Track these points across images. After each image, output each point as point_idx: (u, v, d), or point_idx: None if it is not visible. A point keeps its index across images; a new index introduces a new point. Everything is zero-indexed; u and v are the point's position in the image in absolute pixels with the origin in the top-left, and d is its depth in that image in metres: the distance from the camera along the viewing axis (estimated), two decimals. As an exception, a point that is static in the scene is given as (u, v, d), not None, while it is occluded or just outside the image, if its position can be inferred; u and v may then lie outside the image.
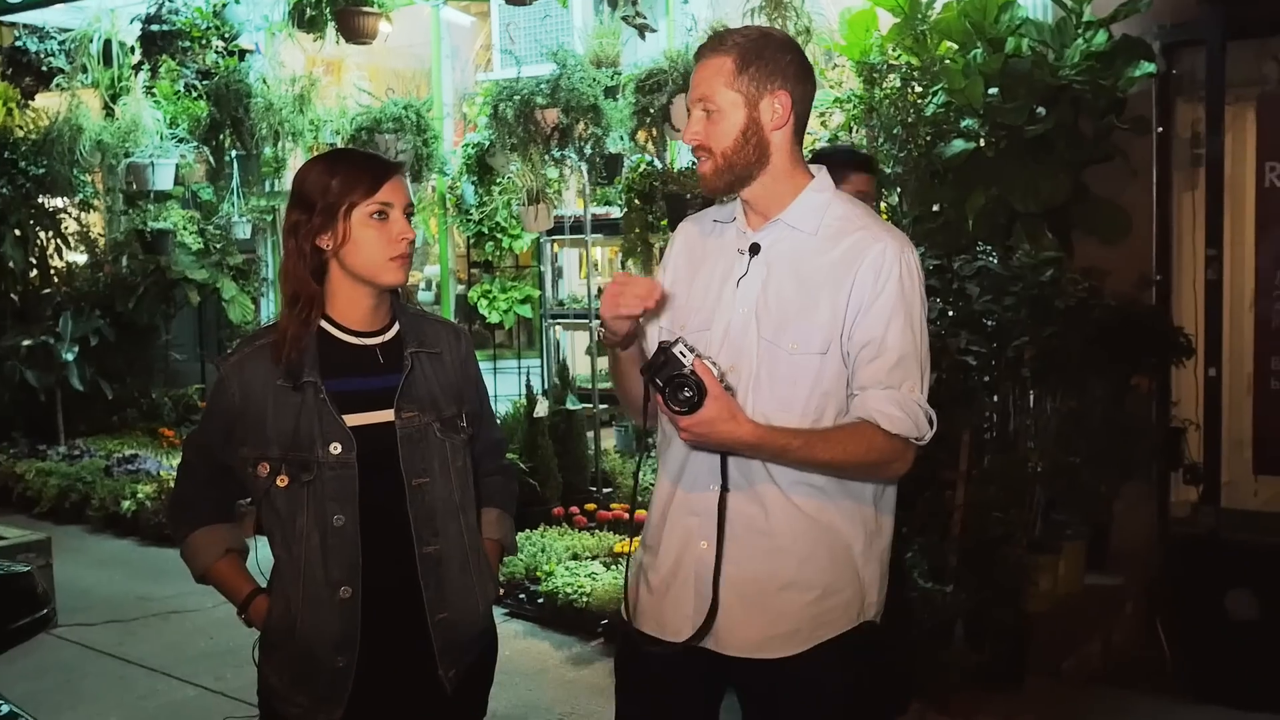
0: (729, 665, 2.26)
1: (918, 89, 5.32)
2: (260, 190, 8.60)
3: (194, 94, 7.92)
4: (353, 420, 2.24)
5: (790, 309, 2.19)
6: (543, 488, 6.36)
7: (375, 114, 7.16)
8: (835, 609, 2.24)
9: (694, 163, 2.30)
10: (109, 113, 8.16)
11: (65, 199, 9.01)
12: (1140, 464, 5.10)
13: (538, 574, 5.54)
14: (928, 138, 5.24)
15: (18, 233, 8.88)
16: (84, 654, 5.24)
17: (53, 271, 9.33)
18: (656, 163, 6.28)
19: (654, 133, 6.13)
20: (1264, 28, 4.99)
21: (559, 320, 7.82)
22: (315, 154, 7.96)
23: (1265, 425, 4.85)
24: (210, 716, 4.56)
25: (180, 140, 7.91)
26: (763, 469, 2.18)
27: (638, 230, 6.30)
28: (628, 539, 5.80)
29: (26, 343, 8.46)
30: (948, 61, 5.15)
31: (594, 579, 5.34)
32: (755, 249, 2.25)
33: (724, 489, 2.19)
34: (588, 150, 6.38)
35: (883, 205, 5.41)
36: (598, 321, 2.25)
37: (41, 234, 9.14)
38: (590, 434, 6.88)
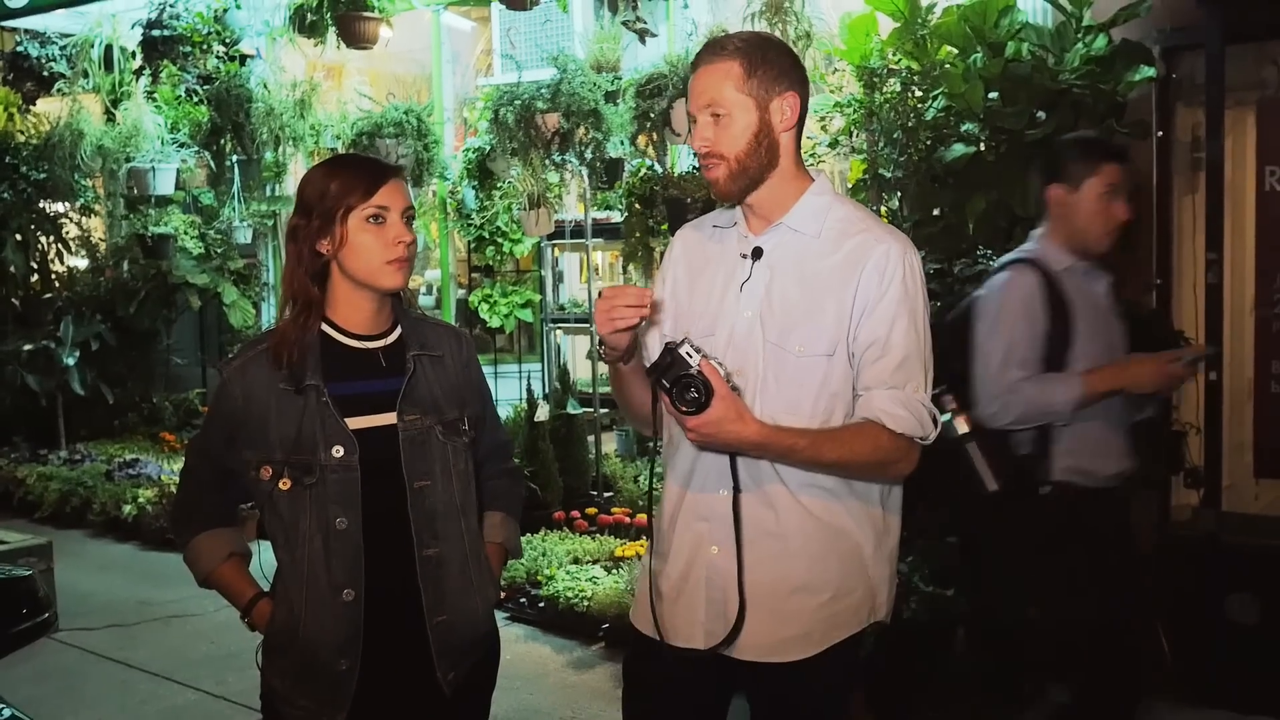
0: (739, 668, 2.27)
1: (918, 93, 5.32)
2: (261, 195, 8.60)
3: (195, 99, 7.93)
4: (355, 423, 2.25)
5: (796, 312, 2.19)
6: (544, 492, 6.36)
7: (376, 119, 7.16)
8: (846, 610, 2.25)
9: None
10: (110, 118, 8.17)
11: (66, 204, 9.02)
12: (1140, 467, 5.09)
13: (539, 578, 5.54)
14: (928, 142, 5.24)
15: (19, 237, 8.89)
16: (85, 658, 5.24)
17: (54, 276, 9.34)
18: (657, 167, 6.29)
19: (654, 137, 6.14)
20: (1263, 31, 4.99)
21: (560, 324, 7.83)
22: (316, 159, 8.01)
23: (1266, 429, 4.85)
24: (211, 721, 4.57)
25: (181, 145, 7.91)
26: (772, 471, 2.19)
27: (638, 235, 6.31)
28: (629, 543, 5.81)
29: (28, 347, 8.47)
30: (948, 66, 5.15)
31: (595, 583, 5.34)
32: (758, 253, 2.26)
33: (736, 490, 2.19)
34: (588, 155, 6.38)
35: (883, 209, 5.41)
36: (600, 347, 2.25)
37: (43, 239, 9.15)
38: (591, 438, 6.88)
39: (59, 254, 9.30)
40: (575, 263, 8.59)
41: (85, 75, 8.20)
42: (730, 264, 2.30)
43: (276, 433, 2.23)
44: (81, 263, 9.50)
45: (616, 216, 6.81)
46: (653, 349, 2.31)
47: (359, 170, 2.27)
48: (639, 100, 6.02)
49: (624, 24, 6.13)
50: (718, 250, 2.34)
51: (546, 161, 6.52)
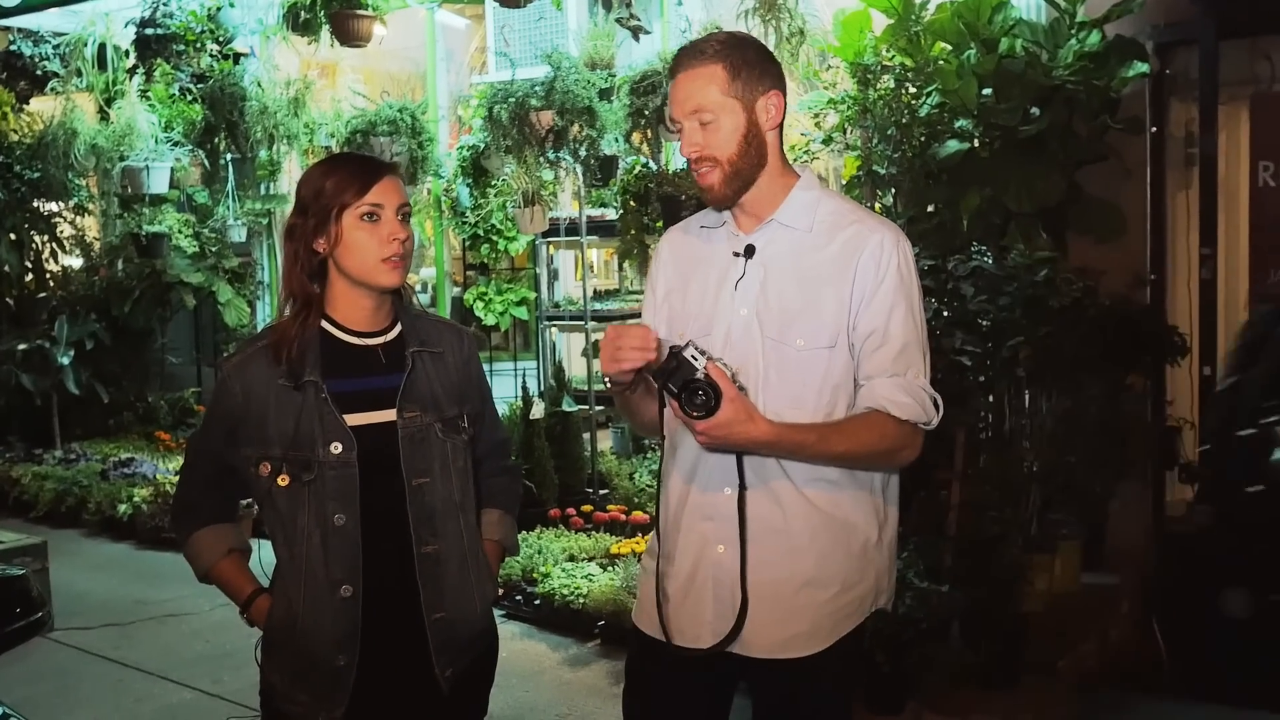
0: (745, 666, 2.27)
1: (912, 90, 5.33)
2: (255, 193, 8.59)
3: (189, 97, 7.92)
4: (354, 420, 2.25)
5: (793, 307, 2.20)
6: (539, 489, 6.36)
7: (370, 117, 7.16)
8: (853, 603, 2.27)
9: (691, 171, 2.29)
10: (104, 116, 8.16)
11: (60, 203, 9.01)
12: (1136, 463, 5.11)
13: (534, 575, 5.54)
14: (922, 138, 5.24)
15: (13, 237, 8.89)
16: (80, 658, 5.24)
17: (48, 275, 9.33)
18: (651, 164, 6.28)
19: (649, 134, 6.14)
20: (1257, 27, 5.00)
21: (555, 322, 7.83)
22: (310, 157, 8.01)
23: (1260, 424, 4.85)
24: (207, 719, 4.56)
25: (175, 144, 7.91)
26: (777, 467, 2.20)
27: (633, 232, 6.31)
28: (624, 540, 5.81)
29: (22, 347, 8.46)
30: (941, 62, 5.16)
31: (591, 580, 5.34)
32: (750, 251, 2.26)
33: (742, 487, 2.19)
34: (583, 152, 6.38)
35: (877, 206, 5.41)
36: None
37: (37, 238, 9.14)
38: (586, 435, 6.88)
39: (53, 253, 9.29)
40: (570, 260, 8.58)
41: (79, 74, 8.18)
42: (722, 263, 2.30)
43: (275, 429, 2.23)
44: (76, 262, 9.49)
45: (611, 214, 6.81)
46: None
47: (353, 168, 2.27)
48: (633, 97, 6.02)
49: (618, 21, 6.13)
50: (708, 251, 2.34)
51: (541, 159, 6.52)
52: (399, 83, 8.53)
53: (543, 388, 7.15)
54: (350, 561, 2.23)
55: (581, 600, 5.20)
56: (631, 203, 6.28)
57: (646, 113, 5.98)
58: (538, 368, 7.82)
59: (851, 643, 2.28)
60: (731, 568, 2.22)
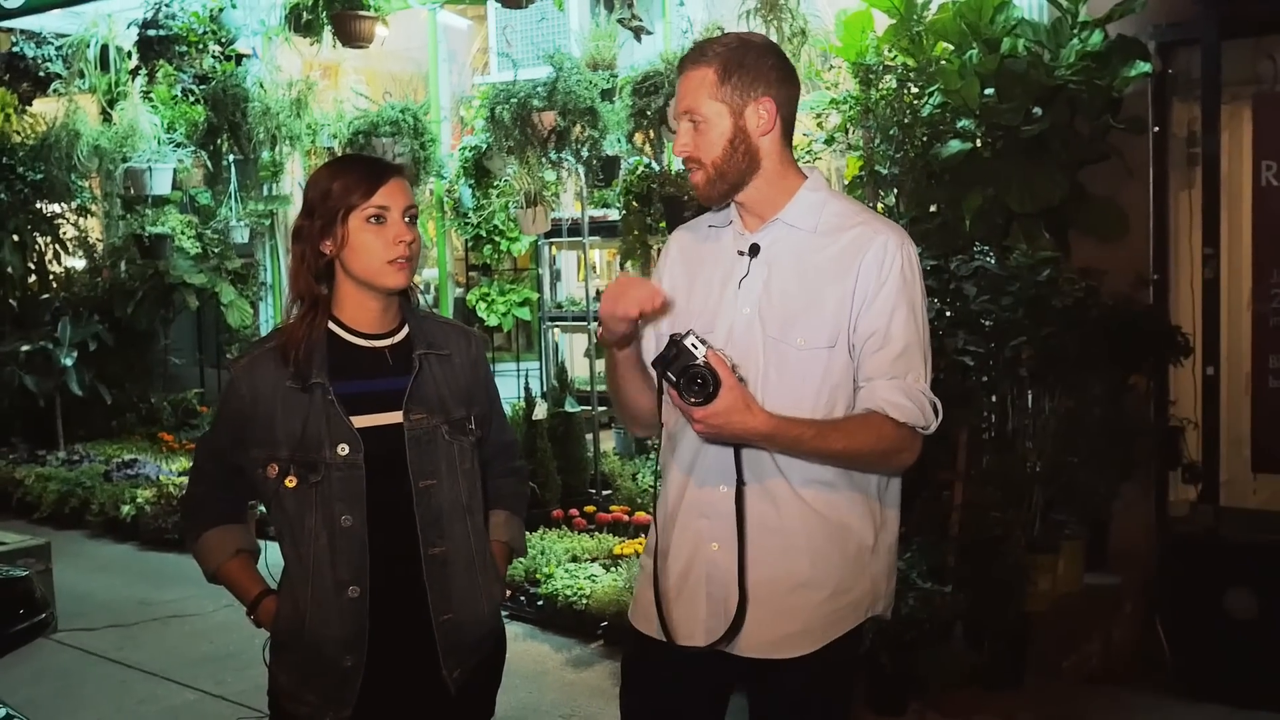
0: (739, 665, 2.27)
1: (914, 90, 5.33)
2: (258, 194, 8.60)
3: (191, 99, 7.93)
4: (361, 422, 2.25)
5: (795, 306, 2.20)
6: (542, 490, 6.36)
7: (372, 118, 7.16)
8: (847, 606, 2.26)
9: (687, 172, 2.31)
10: (106, 118, 8.17)
11: (63, 204, 9.03)
12: (1139, 463, 5.10)
13: (537, 576, 5.54)
14: (924, 138, 5.24)
15: (16, 238, 8.90)
16: (84, 659, 5.24)
17: (51, 277, 9.34)
18: (654, 165, 6.29)
19: (651, 135, 6.13)
20: (1259, 26, 5.00)
21: (557, 323, 7.83)
22: (312, 158, 8.01)
23: (1263, 423, 4.85)
24: (211, 720, 4.58)
25: (178, 145, 7.92)
26: (773, 466, 2.20)
27: (636, 232, 6.31)
28: (627, 541, 5.81)
29: (25, 348, 8.47)
30: (944, 62, 5.16)
31: (594, 581, 5.34)
32: (755, 250, 2.27)
33: (740, 483, 2.19)
34: (585, 153, 6.38)
35: (879, 206, 5.41)
36: (597, 322, 2.27)
37: (40, 239, 9.15)
38: (589, 436, 6.88)
39: (56, 254, 9.30)
40: (573, 261, 8.58)
41: (81, 75, 8.20)
42: (727, 262, 2.30)
43: (283, 430, 2.24)
44: (79, 263, 9.51)
45: (614, 214, 6.81)
46: (648, 348, 2.31)
47: (360, 170, 2.28)
48: (635, 98, 6.02)
49: (620, 22, 6.13)
50: (714, 249, 2.35)
51: (543, 160, 6.53)
52: (401, 83, 8.54)
53: (545, 388, 7.15)
54: (357, 563, 2.24)
55: (584, 601, 5.20)
56: (634, 203, 6.28)
57: (649, 113, 5.97)
58: (540, 368, 7.83)
59: (846, 647, 2.27)
60: (726, 566, 2.22)
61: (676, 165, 6.31)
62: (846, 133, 5.60)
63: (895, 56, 5.37)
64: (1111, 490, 5.12)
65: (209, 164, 8.19)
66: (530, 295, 8.29)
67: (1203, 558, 4.67)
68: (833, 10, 5.65)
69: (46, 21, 8.60)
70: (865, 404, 2.17)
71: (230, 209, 8.41)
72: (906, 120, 5.29)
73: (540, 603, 5.38)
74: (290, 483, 2.23)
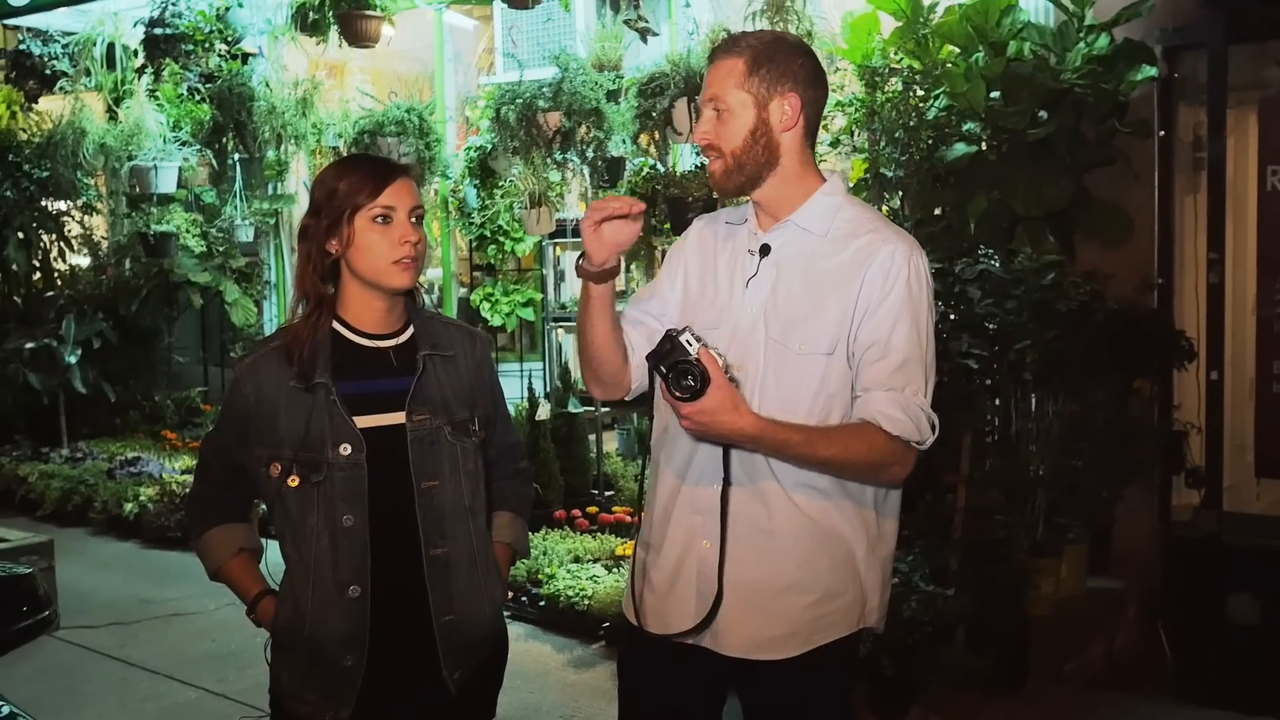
0: (729, 666, 2.27)
1: (919, 92, 5.33)
2: (263, 193, 8.60)
3: (197, 97, 7.94)
4: (364, 422, 2.25)
5: (799, 310, 2.20)
6: (545, 491, 6.36)
7: (378, 117, 7.17)
8: (835, 613, 2.24)
9: (698, 165, 2.31)
10: (112, 116, 8.18)
11: (68, 202, 9.02)
12: (1142, 467, 5.10)
13: (539, 577, 5.54)
14: (929, 141, 5.24)
15: (21, 235, 8.90)
16: (86, 656, 5.25)
17: (56, 274, 9.35)
18: (659, 166, 6.29)
19: (656, 136, 6.14)
20: (1265, 31, 4.99)
21: (561, 323, 7.82)
22: (318, 157, 8.01)
23: (1267, 428, 4.85)
24: (213, 719, 4.57)
25: (183, 143, 7.92)
26: (766, 467, 2.19)
27: (640, 234, 6.30)
28: (629, 542, 5.81)
29: (30, 345, 8.47)
30: (949, 65, 5.16)
31: (596, 582, 5.34)
32: (765, 250, 2.27)
33: (726, 483, 2.19)
34: (590, 153, 6.38)
35: (884, 209, 5.41)
36: (580, 255, 2.25)
37: (45, 237, 9.15)
38: (592, 437, 6.88)
39: (61, 252, 9.30)
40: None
41: (87, 73, 8.20)
42: (739, 259, 2.31)
43: (286, 430, 2.24)
44: (83, 261, 9.51)
45: (618, 215, 6.80)
46: (637, 337, 2.34)
47: (366, 170, 2.28)
48: (640, 99, 6.03)
49: (626, 23, 6.14)
50: (728, 246, 2.35)
51: (548, 160, 6.53)
52: (407, 83, 8.54)
53: (549, 389, 7.15)
54: (358, 562, 2.24)
55: (586, 602, 5.20)
56: (638, 204, 6.27)
57: (654, 114, 5.98)
58: (544, 369, 7.82)
59: (836, 653, 2.26)
60: (715, 563, 2.22)
61: (682, 166, 6.32)
62: (852, 135, 5.60)
63: (901, 59, 5.37)
64: (1114, 494, 5.13)
65: (214, 162, 8.19)
66: (534, 296, 8.28)
67: (1205, 562, 4.66)
68: (839, 13, 5.65)
69: (53, 19, 8.60)
70: (860, 414, 2.15)
71: (235, 207, 8.42)
72: (912, 123, 5.29)
73: (542, 603, 5.38)
74: (293, 482, 2.23)
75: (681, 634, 2.25)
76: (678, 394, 2.00)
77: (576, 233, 7.13)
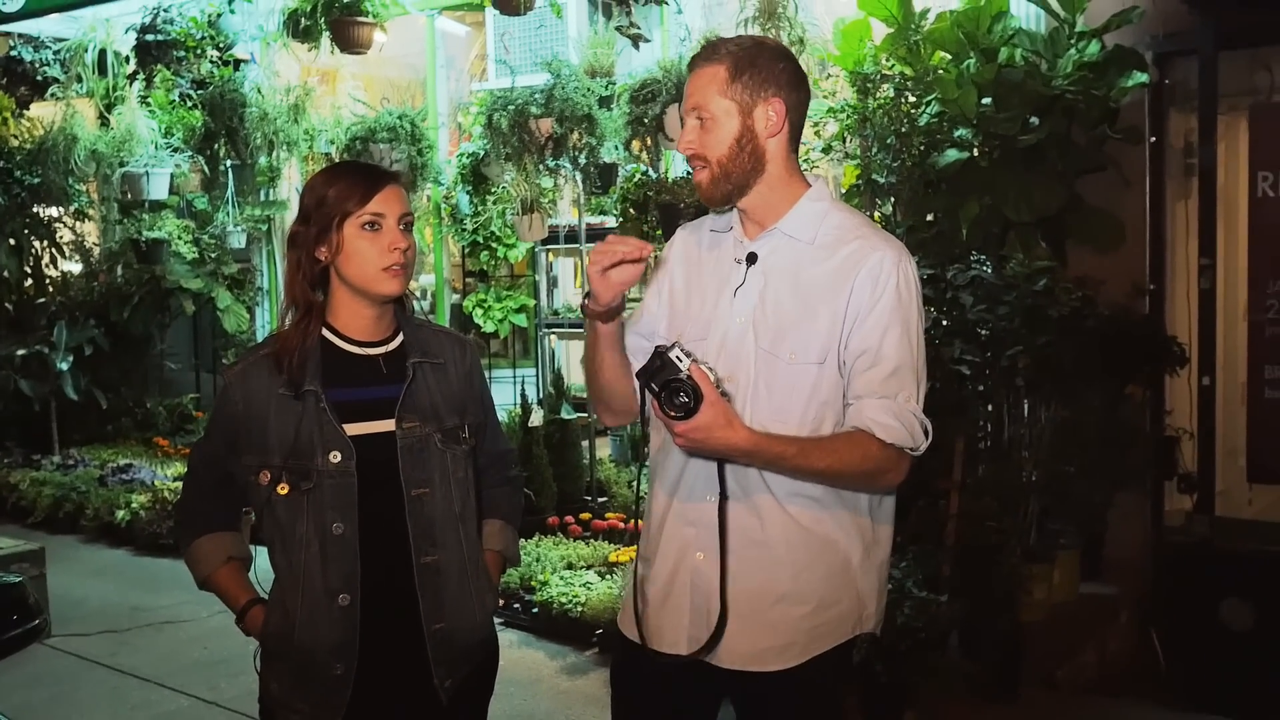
0: (724, 676, 2.26)
1: (911, 99, 5.33)
2: (255, 200, 8.59)
3: (189, 104, 7.93)
4: (353, 429, 2.25)
5: (788, 318, 2.18)
6: (538, 497, 6.36)
7: (370, 124, 7.16)
8: (831, 622, 2.23)
9: (689, 172, 2.30)
10: (104, 122, 8.17)
11: (60, 208, 9.01)
12: (1134, 473, 5.11)
13: (533, 583, 5.53)
14: (921, 147, 5.25)
15: (12, 242, 8.88)
16: (78, 664, 5.23)
17: (47, 281, 9.32)
18: (651, 172, 6.29)
19: (648, 142, 6.14)
20: (1256, 37, 5.01)
21: (554, 329, 7.82)
22: (310, 163, 8.00)
23: (1259, 434, 4.86)
24: (204, 727, 4.56)
25: (175, 150, 7.92)
26: (759, 479, 2.18)
27: (632, 240, 6.30)
28: (623, 548, 5.81)
29: (21, 352, 8.45)
30: (941, 72, 5.16)
31: (589, 588, 5.34)
32: (752, 258, 2.25)
33: (723, 497, 2.17)
34: (582, 160, 6.38)
35: (876, 215, 5.42)
36: (585, 295, 2.24)
37: (36, 243, 9.13)
38: (585, 443, 6.87)
39: (52, 259, 9.29)
40: (569, 267, 8.58)
41: (79, 80, 8.20)
42: (725, 268, 2.29)
43: (275, 438, 2.23)
44: (75, 267, 9.49)
45: (611, 221, 6.81)
46: (635, 348, 2.31)
47: (356, 177, 2.27)
48: (633, 105, 6.02)
49: (618, 29, 6.13)
50: (713, 254, 2.33)
51: (540, 166, 6.53)
52: (399, 89, 8.54)
53: (542, 395, 7.14)
54: (348, 570, 2.23)
55: (580, 608, 5.19)
56: (631, 211, 6.28)
57: (646, 121, 5.98)
58: (537, 375, 7.82)
59: (832, 662, 2.25)
60: (710, 575, 2.21)
61: (674, 173, 6.32)
62: (844, 141, 5.61)
63: (893, 65, 5.38)
64: (1107, 500, 5.13)
65: (206, 169, 8.18)
66: (527, 302, 8.28)
67: (1198, 568, 4.67)
68: (831, 19, 5.65)
69: (44, 25, 8.59)
70: (853, 422, 2.14)
71: (227, 214, 8.40)
72: (904, 129, 5.29)
73: (535, 610, 5.38)
74: (282, 490, 2.23)
75: (688, 656, 2.23)
76: (671, 413, 1.99)
77: (569, 239, 7.14)
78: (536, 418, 6.60)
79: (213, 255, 8.69)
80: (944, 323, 4.68)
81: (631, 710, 2.43)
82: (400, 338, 2.36)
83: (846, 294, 2.16)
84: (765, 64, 2.19)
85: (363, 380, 2.29)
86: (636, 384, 2.23)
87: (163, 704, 4.80)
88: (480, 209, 7.62)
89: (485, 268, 8.23)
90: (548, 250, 7.69)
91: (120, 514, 7.21)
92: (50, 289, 9.30)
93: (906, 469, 2.18)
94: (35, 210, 8.94)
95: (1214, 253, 5.00)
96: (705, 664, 2.24)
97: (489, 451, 2.51)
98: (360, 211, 2.23)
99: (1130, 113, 5.12)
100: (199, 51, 7.97)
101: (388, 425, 2.28)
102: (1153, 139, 5.24)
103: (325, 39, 7.31)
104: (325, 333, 2.30)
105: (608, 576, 5.47)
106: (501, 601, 5.43)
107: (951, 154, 5.05)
